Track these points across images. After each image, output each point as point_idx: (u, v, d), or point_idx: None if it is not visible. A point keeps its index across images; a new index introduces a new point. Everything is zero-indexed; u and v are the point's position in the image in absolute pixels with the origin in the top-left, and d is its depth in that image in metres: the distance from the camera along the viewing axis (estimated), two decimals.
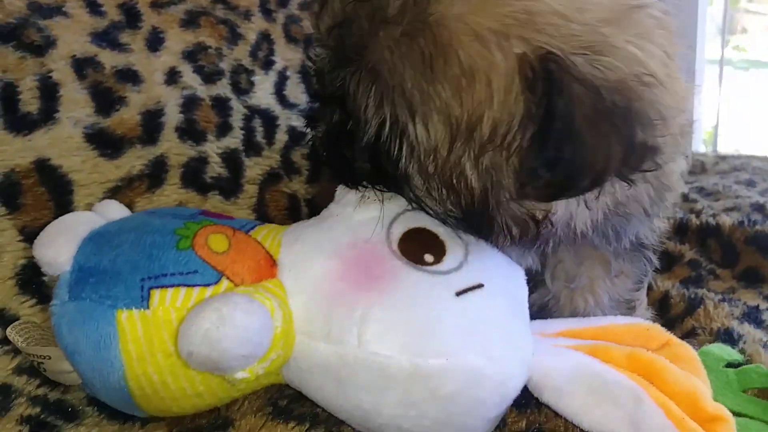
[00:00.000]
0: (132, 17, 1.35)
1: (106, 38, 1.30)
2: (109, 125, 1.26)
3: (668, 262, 1.54)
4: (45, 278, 1.13)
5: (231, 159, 1.44)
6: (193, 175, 1.37)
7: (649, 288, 1.36)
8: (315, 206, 1.54)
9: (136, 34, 1.35)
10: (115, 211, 1.07)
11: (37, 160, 1.17)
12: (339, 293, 0.86)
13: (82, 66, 1.25)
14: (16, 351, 1.03)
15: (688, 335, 1.20)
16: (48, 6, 1.24)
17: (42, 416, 0.95)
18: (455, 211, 0.85)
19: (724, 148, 3.82)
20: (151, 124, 1.32)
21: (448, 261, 0.89)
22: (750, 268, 1.50)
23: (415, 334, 0.82)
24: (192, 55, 1.42)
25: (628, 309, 1.13)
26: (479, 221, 0.84)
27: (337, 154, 0.93)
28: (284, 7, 1.65)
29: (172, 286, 0.87)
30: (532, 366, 0.88)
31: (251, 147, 1.48)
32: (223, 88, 1.45)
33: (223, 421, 0.93)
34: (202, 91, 1.41)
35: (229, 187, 1.42)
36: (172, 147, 1.34)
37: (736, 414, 0.92)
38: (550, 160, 0.72)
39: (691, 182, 2.27)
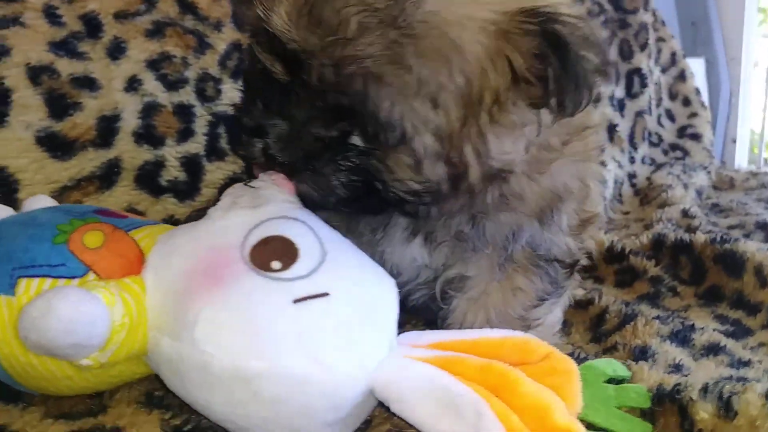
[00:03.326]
0: (93, 28, 1.42)
1: (65, 47, 1.37)
2: (61, 129, 1.33)
3: (631, 277, 1.51)
4: None
5: (191, 163, 1.49)
6: (148, 178, 1.43)
7: (590, 303, 1.32)
8: None
9: (96, 44, 1.42)
10: (42, 204, 1.12)
11: None
12: (185, 291, 0.89)
13: (37, 73, 1.32)
14: None
15: (609, 350, 1.18)
16: (4, 17, 1.32)
17: None
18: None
19: None
20: (107, 128, 1.39)
21: (296, 269, 0.89)
22: (714, 286, 1.46)
23: (240, 336, 0.84)
24: (155, 63, 1.47)
25: (524, 327, 1.10)
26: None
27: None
28: None
29: (38, 276, 0.92)
30: (374, 377, 0.87)
31: (214, 152, 1.53)
32: (186, 95, 1.51)
33: (98, 408, 0.97)
34: (164, 98, 1.47)
35: (186, 191, 1.47)
36: (127, 150, 1.40)
37: (602, 429, 0.91)
38: (574, 99, 0.89)
39: (712, 198, 2.18)
